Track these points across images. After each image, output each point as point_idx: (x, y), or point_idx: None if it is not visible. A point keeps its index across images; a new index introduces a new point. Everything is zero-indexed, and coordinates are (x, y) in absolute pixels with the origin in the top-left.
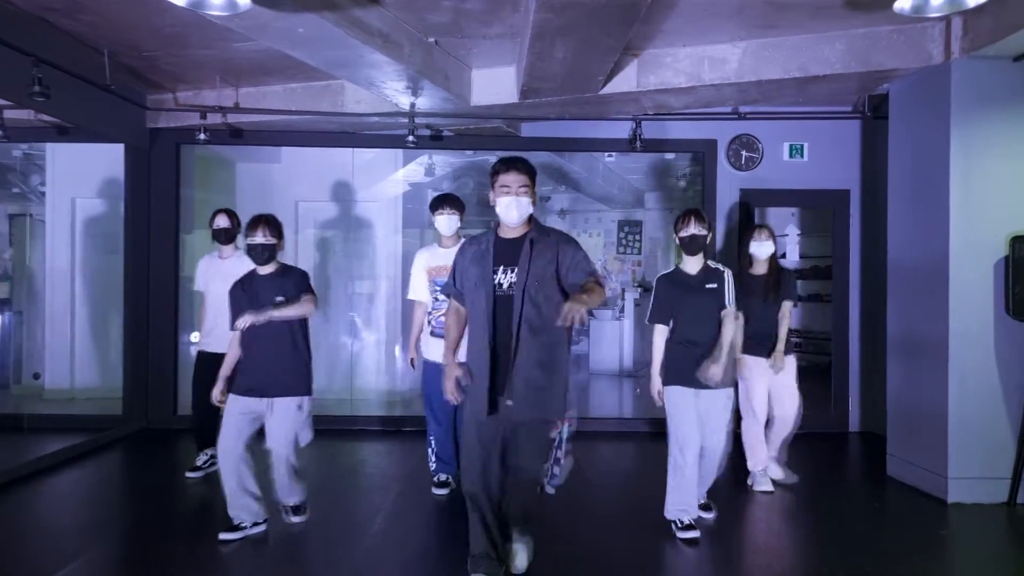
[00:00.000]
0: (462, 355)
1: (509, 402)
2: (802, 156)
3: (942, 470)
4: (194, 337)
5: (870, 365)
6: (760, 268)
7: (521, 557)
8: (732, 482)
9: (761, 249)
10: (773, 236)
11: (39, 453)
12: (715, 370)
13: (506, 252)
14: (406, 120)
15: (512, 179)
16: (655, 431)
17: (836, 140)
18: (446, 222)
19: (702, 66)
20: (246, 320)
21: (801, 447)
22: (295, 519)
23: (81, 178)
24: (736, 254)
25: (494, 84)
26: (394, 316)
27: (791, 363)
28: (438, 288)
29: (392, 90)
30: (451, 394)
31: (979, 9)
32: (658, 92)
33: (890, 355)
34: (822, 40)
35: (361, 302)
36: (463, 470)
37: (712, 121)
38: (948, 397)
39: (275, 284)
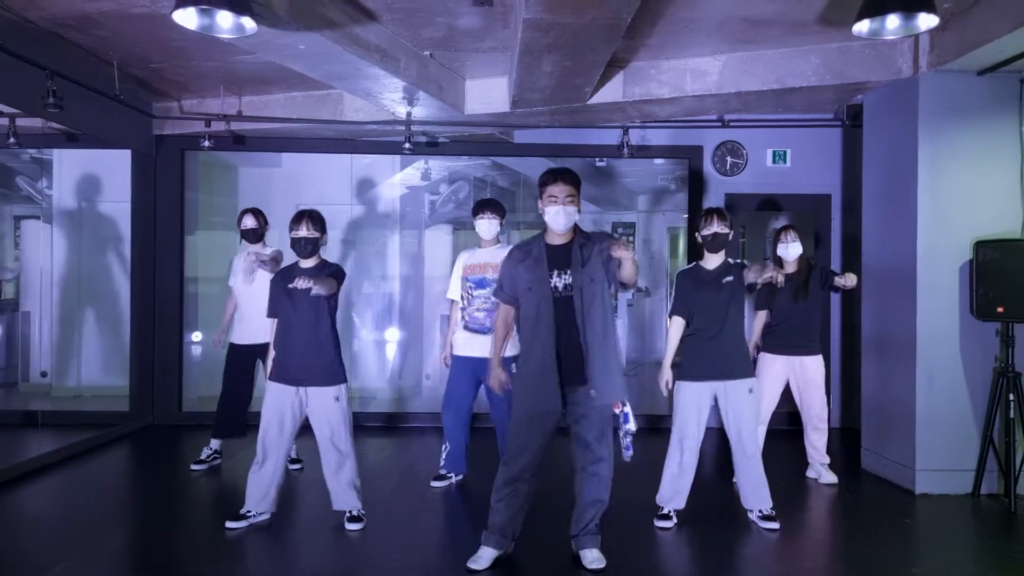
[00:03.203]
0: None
1: (593, 392)
2: (785, 162)
3: (910, 463)
4: (195, 336)
5: (849, 363)
6: (790, 268)
7: (598, 555)
8: (715, 474)
9: (788, 251)
10: (800, 236)
11: (50, 448)
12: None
13: (558, 257)
14: (403, 128)
15: (559, 190)
16: (650, 427)
17: (818, 146)
18: (487, 226)
19: (684, 78)
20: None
21: (783, 442)
22: (353, 527)
23: (87, 182)
24: None
25: (487, 94)
26: (393, 314)
27: (820, 364)
28: (471, 284)
29: (389, 100)
30: (498, 387)
31: (943, 27)
32: (643, 102)
33: (864, 354)
34: (798, 54)
35: (361, 301)
36: (512, 459)
37: (698, 128)
38: (916, 393)
39: (314, 277)
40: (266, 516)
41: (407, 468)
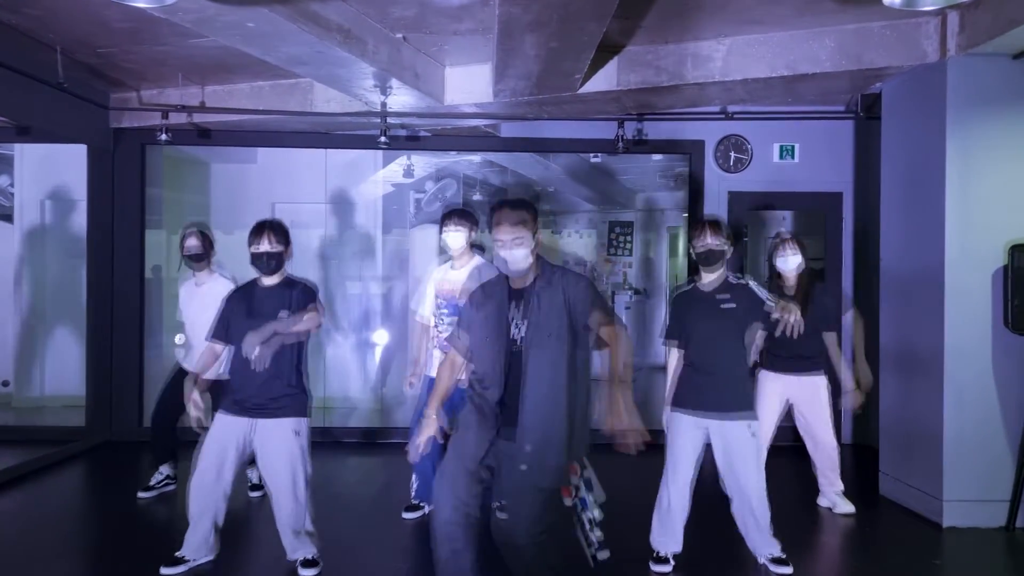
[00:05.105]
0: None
1: (524, 467)
2: (793, 157)
3: (937, 492)
4: (178, 339)
5: None
6: (790, 283)
7: None
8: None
9: (787, 264)
10: (801, 247)
11: None
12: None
13: (518, 303)
14: (378, 120)
15: (504, 232)
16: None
17: (828, 141)
18: (453, 238)
19: (685, 64)
20: (251, 345)
21: (793, 460)
22: (307, 572)
23: (51, 179)
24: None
25: (468, 83)
26: (375, 320)
27: (822, 384)
28: (444, 310)
29: (360, 88)
30: (420, 446)
31: (976, 4)
32: (640, 91)
33: (883, 368)
34: (811, 37)
35: (341, 306)
36: (434, 513)
37: (700, 121)
38: (943, 414)
39: (278, 297)
40: (208, 559)
41: (380, 493)
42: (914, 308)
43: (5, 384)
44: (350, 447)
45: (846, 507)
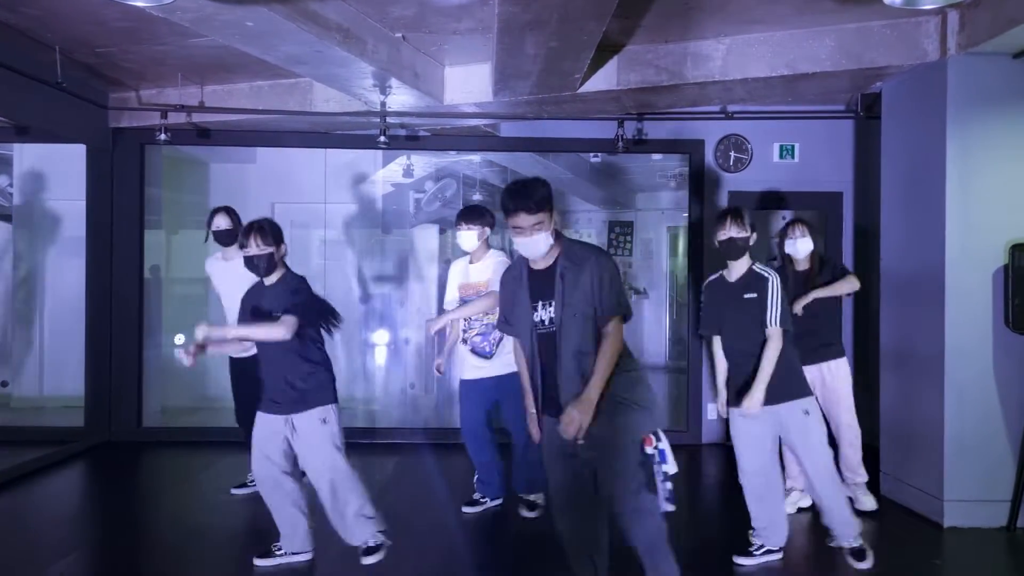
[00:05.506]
0: None
1: (581, 441)
2: (793, 157)
3: (938, 492)
4: (177, 339)
5: (863, 373)
6: (801, 267)
7: None
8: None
9: (796, 247)
10: (811, 230)
11: None
12: (748, 403)
13: (540, 286)
14: (377, 120)
15: (522, 220)
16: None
17: (828, 140)
18: (466, 238)
19: (685, 63)
20: (202, 331)
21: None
22: (368, 560)
23: (50, 179)
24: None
25: (467, 82)
26: (375, 320)
27: (843, 368)
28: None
29: (359, 88)
30: (536, 436)
31: (976, 3)
32: (640, 91)
33: (883, 368)
34: (811, 36)
35: (339, 307)
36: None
37: (700, 121)
38: (944, 414)
39: (276, 296)
40: (304, 556)
41: (380, 493)
42: (914, 308)
43: (4, 384)
44: (348, 448)
45: (868, 503)
